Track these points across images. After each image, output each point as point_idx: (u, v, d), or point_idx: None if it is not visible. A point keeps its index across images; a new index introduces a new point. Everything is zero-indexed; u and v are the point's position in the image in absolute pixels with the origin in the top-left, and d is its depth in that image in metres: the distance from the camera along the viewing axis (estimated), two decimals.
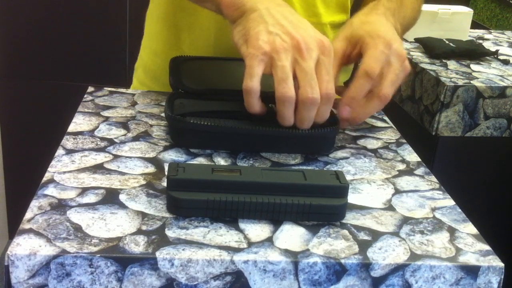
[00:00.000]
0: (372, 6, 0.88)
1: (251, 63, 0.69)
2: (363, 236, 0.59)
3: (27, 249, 0.52)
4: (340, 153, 0.77)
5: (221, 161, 0.72)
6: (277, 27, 0.70)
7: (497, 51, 1.69)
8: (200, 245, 0.55)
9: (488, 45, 1.82)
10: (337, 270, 0.55)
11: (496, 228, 1.55)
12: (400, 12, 0.92)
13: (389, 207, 0.65)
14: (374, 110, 0.78)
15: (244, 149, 0.75)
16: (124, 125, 0.79)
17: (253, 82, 0.69)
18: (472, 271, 0.56)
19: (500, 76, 1.54)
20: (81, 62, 2.29)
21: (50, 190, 0.62)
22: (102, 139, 0.74)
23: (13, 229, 2.52)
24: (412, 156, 0.78)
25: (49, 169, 0.66)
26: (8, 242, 2.54)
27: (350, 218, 0.62)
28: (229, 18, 0.76)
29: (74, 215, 0.58)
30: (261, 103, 0.71)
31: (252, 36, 0.70)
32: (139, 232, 0.56)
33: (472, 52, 1.66)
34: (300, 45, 0.68)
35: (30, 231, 0.55)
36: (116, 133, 0.76)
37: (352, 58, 0.82)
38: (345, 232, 0.59)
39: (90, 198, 0.61)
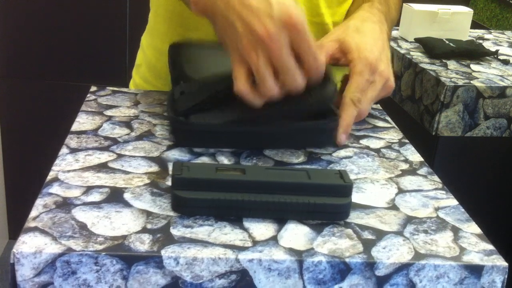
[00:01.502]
0: (368, 9, 0.89)
1: (233, 68, 0.70)
2: (367, 235, 0.59)
3: (32, 247, 0.52)
4: (343, 152, 0.77)
5: (224, 160, 0.72)
6: (240, 24, 0.68)
7: (497, 51, 1.70)
8: (205, 243, 0.55)
9: (488, 45, 1.82)
10: (342, 269, 0.55)
11: (497, 228, 1.55)
12: (389, 15, 0.94)
13: (393, 207, 0.65)
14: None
15: (247, 146, 0.75)
16: (127, 124, 0.79)
17: (238, 85, 0.70)
18: (476, 271, 0.56)
19: (500, 76, 1.54)
20: (81, 62, 2.29)
21: (55, 189, 0.62)
22: (106, 138, 0.74)
23: (13, 229, 2.52)
24: (415, 156, 0.78)
25: (53, 167, 0.66)
26: (8, 242, 2.54)
27: (354, 217, 0.62)
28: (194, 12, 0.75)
29: (79, 214, 0.58)
30: (258, 96, 0.70)
31: (226, 44, 0.71)
32: (144, 230, 0.56)
33: (472, 52, 1.67)
34: (264, 39, 0.67)
35: (35, 229, 0.55)
36: (119, 132, 0.76)
37: (338, 63, 0.84)
38: (349, 231, 0.59)
39: (95, 196, 0.61)
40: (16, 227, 2.46)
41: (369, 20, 0.86)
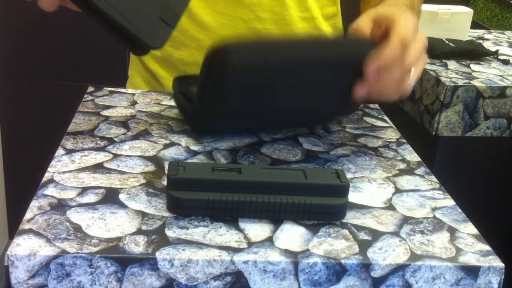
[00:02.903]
0: (393, 3, 0.89)
1: None
2: (363, 236, 0.59)
3: (27, 249, 0.52)
4: (340, 151, 0.77)
5: (221, 158, 0.72)
6: None
7: (497, 51, 1.69)
8: (200, 245, 0.55)
9: (488, 45, 1.82)
10: (337, 270, 0.55)
11: (496, 228, 1.55)
12: (415, 7, 0.93)
13: (390, 207, 0.65)
14: (395, 83, 0.72)
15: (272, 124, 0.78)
16: (124, 124, 0.79)
17: None
18: (472, 272, 0.56)
19: (500, 76, 1.54)
20: (81, 62, 2.29)
21: (50, 190, 0.62)
22: (102, 138, 0.74)
23: (13, 229, 2.51)
24: (413, 156, 0.78)
25: (49, 169, 0.66)
26: (8, 242, 2.54)
27: (351, 217, 0.62)
28: None
29: (74, 215, 0.58)
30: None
31: None
32: (139, 232, 0.56)
33: (472, 52, 1.66)
34: None
35: (30, 231, 0.55)
36: (116, 132, 0.76)
37: (377, 38, 0.76)
38: (345, 232, 0.59)
39: (90, 198, 0.61)
40: (16, 227, 2.45)
41: (386, 4, 0.85)
